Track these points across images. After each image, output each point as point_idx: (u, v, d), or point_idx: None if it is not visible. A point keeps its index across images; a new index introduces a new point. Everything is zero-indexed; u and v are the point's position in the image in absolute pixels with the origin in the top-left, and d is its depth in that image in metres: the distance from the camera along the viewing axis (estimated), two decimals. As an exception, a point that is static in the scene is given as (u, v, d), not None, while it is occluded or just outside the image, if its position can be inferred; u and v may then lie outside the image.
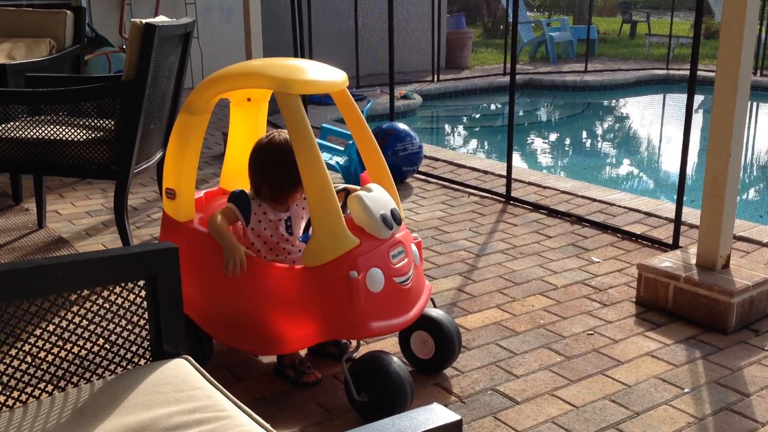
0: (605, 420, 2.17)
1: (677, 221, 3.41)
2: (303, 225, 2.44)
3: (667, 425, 2.14)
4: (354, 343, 2.46)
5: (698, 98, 3.25)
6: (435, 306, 2.51)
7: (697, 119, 7.72)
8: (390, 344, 2.58)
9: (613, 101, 10.16)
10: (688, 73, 3.30)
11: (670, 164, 6.89)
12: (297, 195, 2.35)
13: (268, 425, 1.32)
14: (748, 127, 7.97)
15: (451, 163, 5.12)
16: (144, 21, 3.01)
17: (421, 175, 4.83)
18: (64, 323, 1.47)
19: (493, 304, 2.94)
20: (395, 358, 2.18)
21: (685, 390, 2.33)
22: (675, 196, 3.43)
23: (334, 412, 2.22)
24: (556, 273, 3.24)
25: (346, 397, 2.22)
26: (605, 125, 9.33)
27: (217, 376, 1.52)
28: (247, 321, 2.27)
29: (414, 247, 2.35)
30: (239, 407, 1.37)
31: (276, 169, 2.29)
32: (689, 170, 3.38)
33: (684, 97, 3.35)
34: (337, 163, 4.43)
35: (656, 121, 9.10)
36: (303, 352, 2.48)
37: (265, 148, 2.33)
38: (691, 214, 3.76)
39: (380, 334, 2.24)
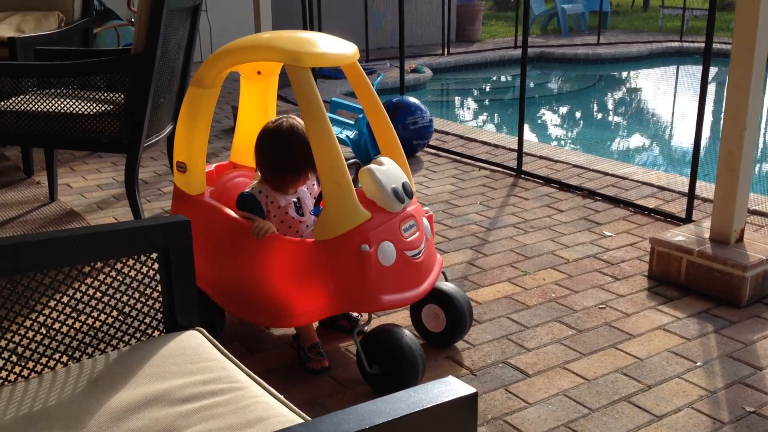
0: (617, 393, 2.17)
1: (691, 195, 3.38)
2: (313, 203, 2.43)
3: (680, 398, 2.15)
4: (365, 316, 2.46)
5: (711, 71, 3.20)
6: (446, 279, 2.51)
7: (710, 92, 7.64)
8: (401, 317, 2.58)
9: (626, 74, 10.06)
10: (701, 45, 3.25)
11: (684, 138, 6.83)
12: (299, 182, 2.32)
13: (281, 396, 1.32)
14: (764, 100, 7.87)
15: (461, 137, 5.09)
16: (153, -7, 2.98)
17: (432, 149, 4.80)
18: (78, 295, 1.48)
19: (505, 277, 2.94)
20: (407, 332, 2.18)
21: (698, 363, 2.33)
22: (688, 170, 3.40)
23: (346, 384, 2.23)
24: (568, 247, 3.23)
25: (357, 370, 2.23)
26: (617, 98, 9.25)
27: (230, 348, 1.52)
28: (258, 294, 2.27)
29: (425, 221, 2.34)
30: (253, 379, 1.37)
31: (278, 155, 2.27)
32: (703, 143, 3.34)
33: (697, 69, 3.31)
34: (348, 137, 4.41)
35: (669, 94, 9.01)
36: (317, 327, 2.48)
37: (270, 133, 2.31)
38: (705, 188, 3.73)
39: (392, 307, 2.24)
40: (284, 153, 2.26)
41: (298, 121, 2.29)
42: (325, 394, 2.18)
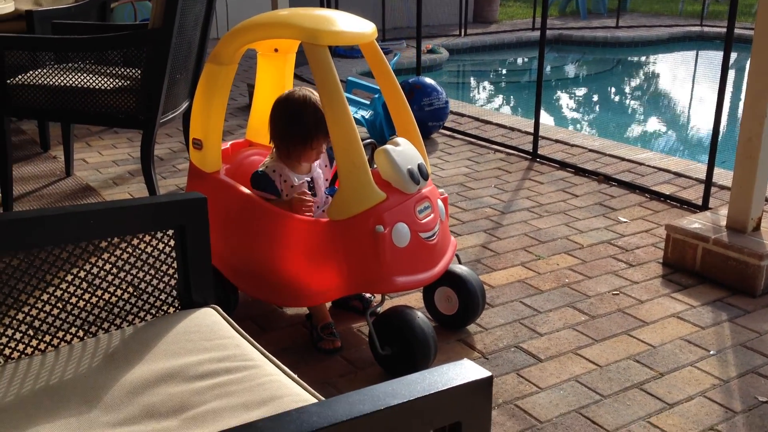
0: (629, 380, 2.17)
1: (708, 182, 3.35)
2: (326, 184, 2.43)
3: (692, 386, 2.14)
4: (378, 297, 2.47)
5: (732, 56, 3.14)
6: (460, 262, 2.50)
7: (730, 77, 7.53)
8: (414, 299, 2.59)
9: (645, 58, 9.94)
10: (721, 30, 3.21)
11: (702, 124, 6.76)
12: (311, 153, 2.31)
13: (295, 375, 1.33)
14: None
15: (477, 119, 5.06)
16: (171, -32, 2.96)
17: (447, 131, 4.78)
18: (95, 270, 1.49)
19: (518, 261, 2.93)
20: (419, 313, 2.19)
21: (711, 352, 2.32)
22: (705, 157, 3.37)
23: (358, 365, 2.24)
24: (582, 232, 3.22)
25: (369, 351, 2.24)
26: (636, 83, 9.15)
27: (243, 327, 1.53)
28: (272, 273, 2.28)
29: (440, 203, 2.33)
30: (267, 357, 1.38)
31: (288, 123, 2.27)
32: (721, 130, 3.31)
33: (717, 54, 3.27)
34: (363, 116, 4.40)
35: (688, 79, 8.90)
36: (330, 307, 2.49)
37: (283, 101, 2.31)
38: (722, 175, 3.70)
39: (405, 289, 2.24)
40: (295, 120, 2.26)
41: (311, 92, 2.29)
42: (336, 374, 2.19)
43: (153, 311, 1.57)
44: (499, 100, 8.17)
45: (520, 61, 9.63)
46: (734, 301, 2.64)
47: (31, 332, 1.44)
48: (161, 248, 1.54)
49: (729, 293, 2.69)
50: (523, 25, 10.34)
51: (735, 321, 2.51)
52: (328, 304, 2.47)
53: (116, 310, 1.52)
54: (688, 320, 2.51)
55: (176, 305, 1.58)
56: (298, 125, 2.25)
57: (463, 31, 9.30)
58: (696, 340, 2.39)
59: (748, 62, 2.73)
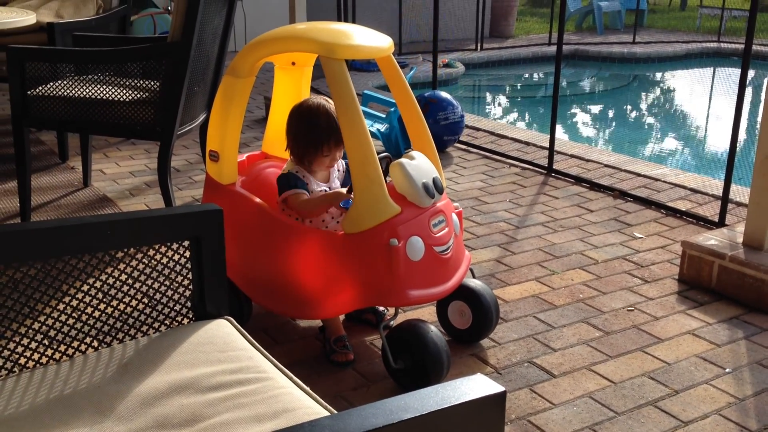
0: (643, 397, 2.15)
1: (724, 198, 3.33)
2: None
3: (707, 404, 2.12)
4: (392, 310, 2.47)
5: (750, 73, 3.14)
6: (474, 276, 2.50)
7: (747, 94, 7.48)
8: (427, 313, 2.58)
9: (661, 74, 9.91)
10: (739, 46, 3.20)
11: (718, 141, 6.72)
12: (322, 159, 2.32)
13: (308, 388, 1.33)
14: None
15: (492, 133, 5.06)
16: (190, -18, 2.99)
17: (462, 145, 4.78)
18: (110, 281, 1.50)
19: (532, 276, 2.92)
20: (432, 327, 2.18)
21: (727, 370, 2.30)
22: (722, 173, 3.35)
23: (370, 378, 2.24)
24: (597, 247, 3.20)
25: (382, 364, 2.24)
26: (652, 98, 9.13)
27: (256, 339, 1.53)
28: (286, 285, 2.28)
29: (455, 217, 2.33)
30: (280, 369, 1.38)
31: (302, 128, 2.30)
32: (738, 147, 3.29)
33: (735, 71, 3.25)
34: (378, 130, 4.41)
35: (705, 95, 8.86)
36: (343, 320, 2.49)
37: (297, 108, 2.36)
38: (739, 192, 3.67)
39: (418, 302, 2.24)
40: (308, 125, 2.28)
41: (327, 99, 2.32)
42: (349, 388, 2.19)
43: (167, 322, 1.58)
44: (514, 114, 8.17)
45: (535, 75, 9.63)
46: (750, 319, 2.61)
47: (46, 342, 1.45)
48: (176, 259, 1.55)
49: (745, 311, 2.67)
50: (539, 40, 10.35)
51: (751, 339, 2.48)
52: (342, 317, 2.47)
53: (131, 320, 1.53)
54: (703, 337, 2.48)
55: (190, 316, 1.59)
56: (311, 130, 2.28)
57: (479, 45, 9.33)
58: (711, 357, 2.37)
59: (766, 79, 2.72)
